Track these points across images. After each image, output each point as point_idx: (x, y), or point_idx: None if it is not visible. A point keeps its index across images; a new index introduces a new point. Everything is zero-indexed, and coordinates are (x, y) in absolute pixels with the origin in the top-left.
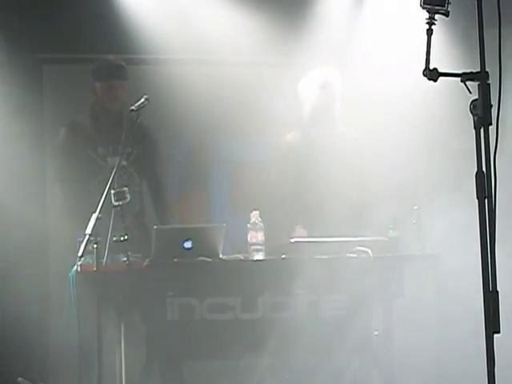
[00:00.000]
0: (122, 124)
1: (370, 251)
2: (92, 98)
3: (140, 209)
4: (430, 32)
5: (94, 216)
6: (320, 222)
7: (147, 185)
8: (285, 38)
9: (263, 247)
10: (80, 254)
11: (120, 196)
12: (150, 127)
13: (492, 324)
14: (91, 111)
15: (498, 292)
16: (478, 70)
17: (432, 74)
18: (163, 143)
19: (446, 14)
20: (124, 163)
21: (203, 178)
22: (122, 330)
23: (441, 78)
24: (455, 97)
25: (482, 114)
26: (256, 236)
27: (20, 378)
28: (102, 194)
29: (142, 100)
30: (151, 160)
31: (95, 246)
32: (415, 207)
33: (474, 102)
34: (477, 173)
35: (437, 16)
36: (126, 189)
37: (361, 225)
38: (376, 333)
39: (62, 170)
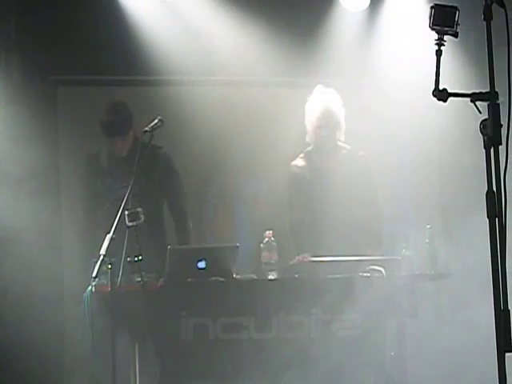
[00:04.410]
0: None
1: (383, 270)
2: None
3: (161, 232)
4: (439, 53)
5: (108, 237)
6: (331, 247)
7: (170, 212)
8: (298, 57)
9: (277, 267)
10: (94, 274)
11: (134, 216)
12: (169, 156)
13: (504, 343)
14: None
15: (509, 311)
16: (488, 89)
17: (441, 95)
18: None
19: (455, 35)
20: (137, 193)
21: (230, 206)
22: (136, 349)
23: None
24: (467, 115)
25: (492, 134)
26: (269, 255)
27: None
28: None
29: (156, 121)
30: (172, 188)
31: (109, 266)
32: (428, 226)
33: (484, 122)
34: (487, 192)
35: (447, 37)
36: (139, 209)
37: (372, 244)
38: (392, 353)
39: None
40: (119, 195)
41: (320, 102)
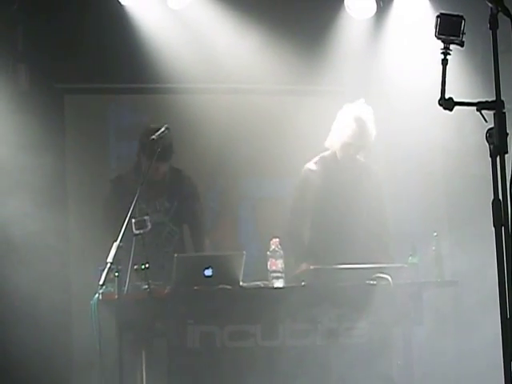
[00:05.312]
0: (163, 183)
1: (390, 278)
2: (136, 159)
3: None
4: (445, 62)
5: (115, 245)
6: (336, 256)
7: (190, 231)
8: (304, 65)
9: (283, 274)
10: (101, 282)
11: (141, 225)
12: (191, 178)
13: (510, 351)
14: (135, 170)
15: None
16: (494, 98)
17: (447, 104)
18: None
19: (461, 45)
20: (165, 219)
21: (233, 211)
22: (144, 357)
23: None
24: (475, 123)
25: (498, 143)
26: (276, 263)
27: None
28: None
29: (163, 129)
30: (192, 209)
31: (116, 274)
32: (434, 234)
33: (490, 131)
34: (493, 201)
35: (453, 46)
36: (146, 217)
37: (381, 257)
38: (399, 362)
39: (107, 223)
40: (154, 219)
41: (358, 119)
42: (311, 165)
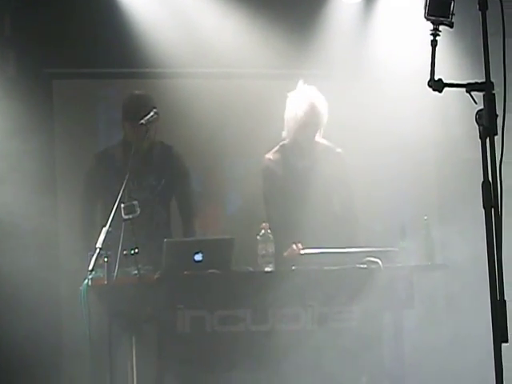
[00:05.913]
0: (151, 159)
1: (380, 262)
2: (122, 132)
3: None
4: (434, 43)
5: (105, 230)
6: (308, 240)
7: (179, 211)
8: (293, 49)
9: (273, 259)
10: (91, 267)
11: (130, 209)
12: (181, 156)
13: (500, 333)
14: (122, 144)
15: (505, 301)
16: (483, 80)
17: (437, 85)
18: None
19: (451, 26)
20: (149, 197)
21: (218, 193)
22: (133, 342)
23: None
24: (466, 105)
25: (488, 124)
26: (266, 248)
27: None
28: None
29: (152, 114)
30: (182, 188)
31: (106, 259)
32: (425, 217)
33: (480, 112)
34: (483, 182)
35: (443, 27)
36: (135, 202)
37: (349, 239)
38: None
39: (86, 197)
40: (137, 197)
41: (307, 99)
42: (270, 154)
